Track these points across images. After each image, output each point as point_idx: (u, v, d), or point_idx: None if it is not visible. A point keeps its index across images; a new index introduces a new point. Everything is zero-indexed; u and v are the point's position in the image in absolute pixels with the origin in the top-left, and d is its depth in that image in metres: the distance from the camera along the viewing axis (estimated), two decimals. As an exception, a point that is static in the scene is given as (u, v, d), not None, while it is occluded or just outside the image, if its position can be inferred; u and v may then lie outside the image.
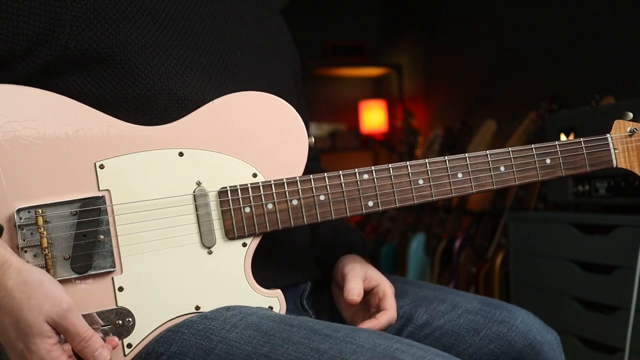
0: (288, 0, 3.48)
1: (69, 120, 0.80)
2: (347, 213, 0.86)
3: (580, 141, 0.93)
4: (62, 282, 0.77)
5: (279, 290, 0.86)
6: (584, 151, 0.93)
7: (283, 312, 0.85)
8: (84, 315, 0.76)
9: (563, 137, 1.91)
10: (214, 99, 0.87)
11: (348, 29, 4.26)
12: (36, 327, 0.70)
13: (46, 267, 0.76)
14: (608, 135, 0.95)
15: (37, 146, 0.77)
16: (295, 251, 0.97)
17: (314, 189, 0.85)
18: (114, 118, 0.82)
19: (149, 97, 0.85)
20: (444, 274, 2.84)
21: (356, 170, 0.86)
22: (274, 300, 0.85)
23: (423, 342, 0.81)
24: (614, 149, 0.94)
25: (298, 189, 0.85)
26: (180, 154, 0.83)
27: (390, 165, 0.87)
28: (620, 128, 0.95)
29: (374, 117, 4.17)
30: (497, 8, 3.12)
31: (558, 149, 0.92)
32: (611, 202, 1.75)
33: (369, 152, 4.27)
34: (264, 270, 0.89)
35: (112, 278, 0.79)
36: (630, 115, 0.95)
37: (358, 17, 4.31)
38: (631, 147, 0.95)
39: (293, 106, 0.91)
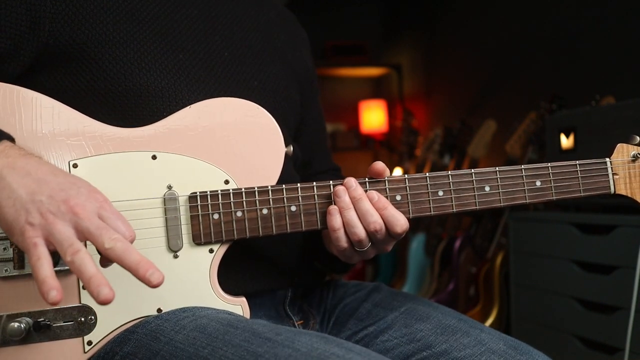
0: (288, 0, 3.48)
1: (45, 119, 0.80)
2: (318, 225, 0.84)
3: (576, 164, 0.88)
4: (29, 275, 0.78)
5: (243, 299, 0.84)
6: (579, 175, 0.88)
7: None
8: (44, 311, 0.78)
9: (563, 138, 1.91)
10: (188, 96, 0.87)
11: (348, 29, 4.26)
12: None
13: (14, 261, 0.77)
14: (607, 159, 0.89)
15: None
16: (271, 257, 0.94)
17: (285, 199, 0.83)
18: (90, 118, 0.82)
19: (120, 92, 0.85)
20: (444, 274, 2.84)
21: (330, 182, 0.84)
22: (237, 308, 0.84)
23: None
24: (613, 174, 0.89)
25: (269, 199, 0.83)
26: (154, 157, 0.83)
27: (367, 179, 0.85)
28: (623, 152, 0.89)
29: (374, 117, 4.17)
30: (497, 8, 3.12)
31: (550, 171, 0.87)
32: (611, 202, 1.75)
33: (369, 152, 4.28)
34: (235, 275, 0.88)
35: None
36: (637, 139, 0.90)
37: (358, 17, 4.31)
38: (634, 173, 0.89)
39: (289, 117, 0.90)
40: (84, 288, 0.80)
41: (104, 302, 0.64)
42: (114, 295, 0.64)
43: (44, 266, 0.65)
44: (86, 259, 0.65)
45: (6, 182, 0.68)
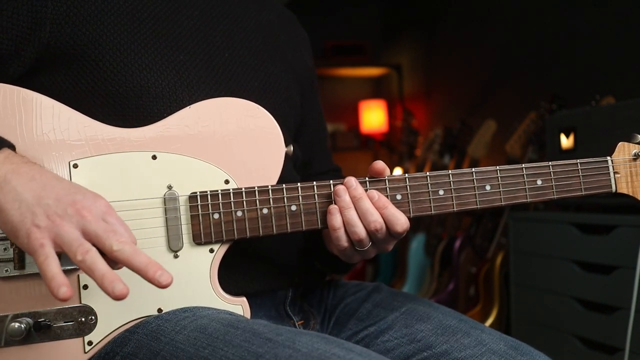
0: (288, 0, 3.48)
1: (45, 119, 0.81)
2: (318, 225, 0.84)
3: (577, 163, 0.88)
4: (29, 276, 0.78)
5: (243, 298, 0.85)
6: (580, 174, 0.88)
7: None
8: (45, 311, 0.77)
9: (563, 138, 1.91)
10: (189, 97, 0.87)
11: (348, 29, 4.26)
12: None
13: (14, 261, 0.77)
14: (608, 157, 0.89)
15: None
16: (271, 257, 0.94)
17: (285, 198, 0.83)
18: (90, 118, 0.82)
19: (120, 93, 0.85)
20: (444, 274, 2.85)
21: (331, 181, 0.84)
22: (238, 308, 0.84)
23: None
24: (615, 172, 0.89)
25: (269, 198, 0.83)
26: (154, 157, 0.83)
27: (367, 178, 0.85)
28: (624, 151, 0.89)
29: (374, 117, 4.17)
30: (497, 8, 3.12)
31: (551, 169, 0.87)
32: (611, 202, 1.75)
33: (369, 152, 4.28)
34: (235, 275, 0.89)
35: (78, 275, 0.80)
36: (639, 137, 0.90)
37: (358, 17, 4.31)
38: (635, 171, 0.89)
39: (290, 117, 0.88)
40: (84, 288, 0.80)
41: (119, 298, 0.65)
42: (129, 290, 0.65)
43: (52, 264, 0.65)
44: (97, 257, 0.66)
45: (11, 186, 0.69)
